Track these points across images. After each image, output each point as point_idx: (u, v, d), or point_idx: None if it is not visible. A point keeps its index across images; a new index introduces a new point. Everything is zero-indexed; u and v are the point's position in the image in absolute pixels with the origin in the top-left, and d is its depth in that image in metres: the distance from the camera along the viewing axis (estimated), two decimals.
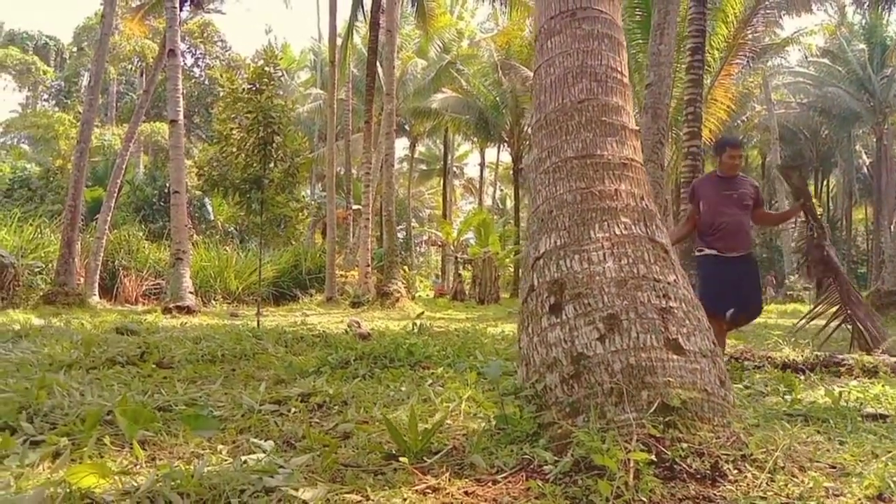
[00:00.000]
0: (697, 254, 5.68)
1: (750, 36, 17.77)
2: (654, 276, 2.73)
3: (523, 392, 2.74)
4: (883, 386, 4.82)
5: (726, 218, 5.50)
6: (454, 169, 48.09)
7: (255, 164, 9.56)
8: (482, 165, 46.22)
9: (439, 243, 34.66)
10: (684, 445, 2.29)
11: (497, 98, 30.59)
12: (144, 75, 34.93)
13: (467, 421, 3.32)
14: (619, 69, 3.32)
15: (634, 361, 2.51)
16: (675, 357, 2.53)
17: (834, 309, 6.58)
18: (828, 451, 2.98)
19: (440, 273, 37.58)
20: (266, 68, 9.98)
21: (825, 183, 42.65)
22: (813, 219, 6.36)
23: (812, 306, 7.17)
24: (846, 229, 40.38)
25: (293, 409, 3.65)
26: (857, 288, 6.98)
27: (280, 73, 10.45)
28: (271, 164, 9.65)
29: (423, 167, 50.48)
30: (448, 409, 3.57)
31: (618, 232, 2.84)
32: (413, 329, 8.14)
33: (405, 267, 21.71)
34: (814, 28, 26.74)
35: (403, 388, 4.27)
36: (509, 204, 48.30)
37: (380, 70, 24.63)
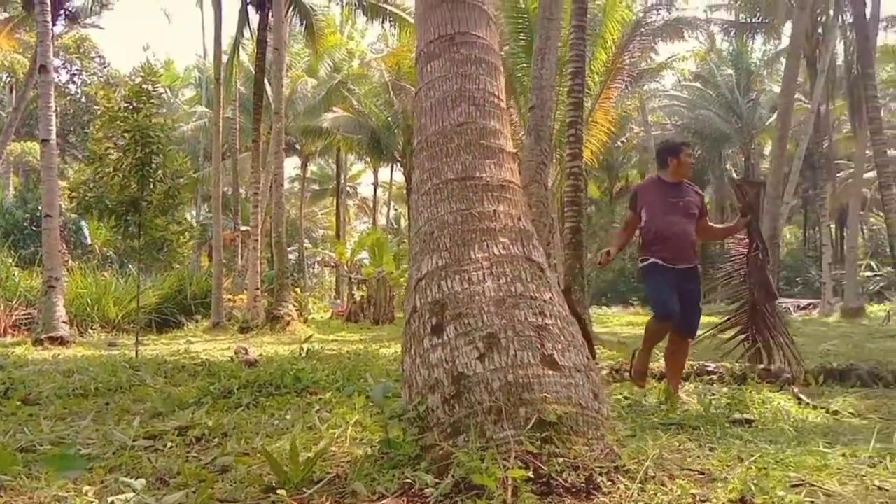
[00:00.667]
0: (641, 263, 5.17)
1: (627, 61, 18.67)
2: (531, 294, 2.80)
3: (406, 415, 2.73)
4: (750, 392, 5.13)
5: (673, 228, 5.01)
6: (347, 188, 47.76)
7: (132, 186, 9.14)
8: (376, 185, 46.18)
9: (332, 264, 34.23)
10: (560, 460, 2.34)
11: (389, 118, 30.69)
12: (14, 92, 32.78)
13: (353, 447, 3.28)
14: (497, 93, 3.41)
15: (512, 379, 2.56)
16: (550, 373, 2.60)
17: (740, 326, 6.45)
18: (698, 457, 3.13)
19: (335, 293, 37.12)
20: (144, 86, 9.59)
21: None
22: (759, 240, 5.92)
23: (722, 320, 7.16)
24: (720, 244, 42.91)
25: (169, 444, 3.48)
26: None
27: (161, 91, 10.05)
28: (150, 186, 9.25)
29: (316, 187, 49.88)
30: (333, 436, 3.51)
31: (497, 252, 2.90)
32: (301, 353, 7.98)
33: (297, 289, 21.24)
34: (685, 54, 28.49)
35: (288, 417, 4.17)
36: (403, 223, 48.48)
37: (268, 88, 24.21)
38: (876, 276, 32.67)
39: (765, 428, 3.95)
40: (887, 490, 2.66)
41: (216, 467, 2.95)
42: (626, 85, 23.92)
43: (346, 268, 28.31)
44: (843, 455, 3.15)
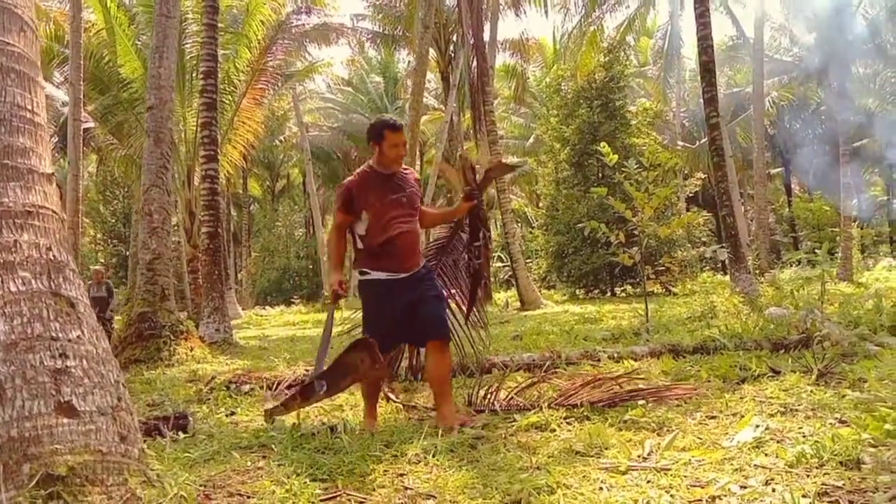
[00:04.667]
0: (361, 277, 4.23)
1: (272, 62, 18.68)
2: (53, 334, 2.57)
3: None
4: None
5: (402, 231, 4.17)
6: None
7: None
8: None
9: None
10: None
11: None
12: None
13: None
14: (31, 107, 3.07)
15: (17, 433, 2.31)
16: (66, 421, 2.41)
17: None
18: (260, 476, 3.20)
19: None
20: None
21: None
22: (484, 227, 4.79)
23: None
24: None
25: None
26: None
27: None
28: None
29: None
30: None
31: (13, 289, 2.60)
32: None
33: None
34: (330, 60, 29.50)
35: None
36: None
37: None
38: (505, 266, 37.20)
39: (347, 435, 4.08)
40: None
41: None
42: (278, 85, 23.98)
43: None
44: (394, 455, 3.46)
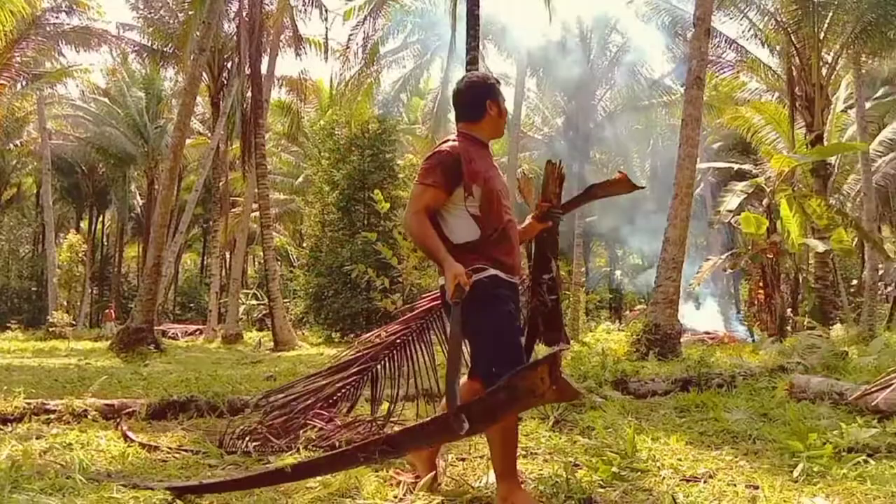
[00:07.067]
0: (474, 277, 2.95)
1: (19, 58, 16.76)
2: None
3: None
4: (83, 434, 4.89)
5: (510, 216, 3.19)
6: None
7: None
8: None
9: None
10: None
11: None
12: None
13: None
14: None
15: None
16: None
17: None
18: None
19: None
20: None
21: (100, 219, 43.47)
22: (553, 257, 3.58)
23: None
24: (118, 265, 41.89)
25: None
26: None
27: None
28: None
29: None
30: None
31: None
32: None
33: None
34: (89, 66, 27.14)
35: None
36: None
37: None
38: (261, 304, 36.12)
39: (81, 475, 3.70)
40: None
41: None
42: (21, 84, 21.57)
43: None
44: (135, 498, 3.21)
